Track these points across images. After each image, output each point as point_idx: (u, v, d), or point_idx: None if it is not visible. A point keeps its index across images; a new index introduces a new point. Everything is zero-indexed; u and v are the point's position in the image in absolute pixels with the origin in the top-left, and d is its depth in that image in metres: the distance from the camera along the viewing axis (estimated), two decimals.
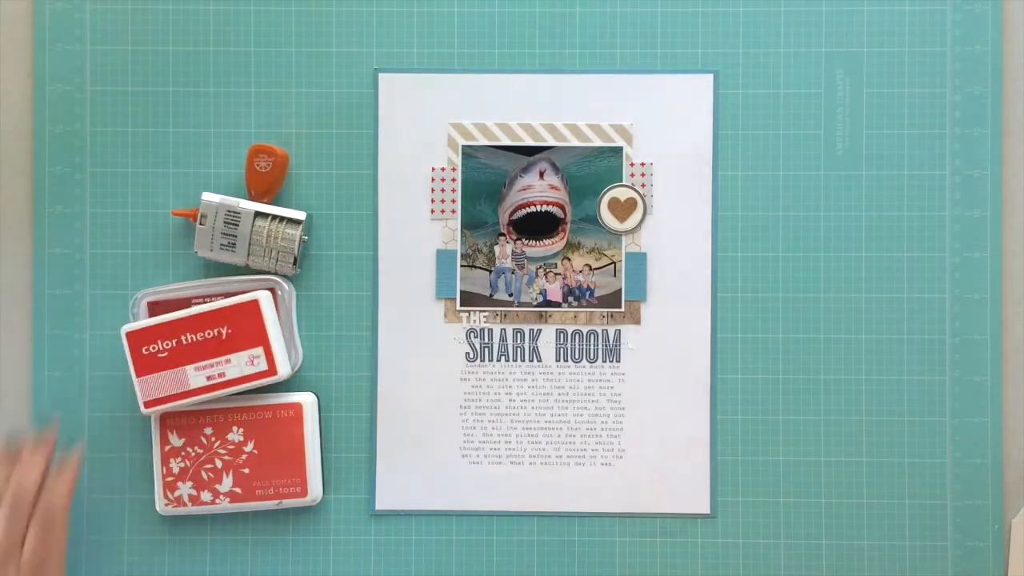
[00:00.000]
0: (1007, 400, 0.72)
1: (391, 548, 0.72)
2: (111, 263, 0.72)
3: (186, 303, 0.70)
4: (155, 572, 0.72)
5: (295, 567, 0.72)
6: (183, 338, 0.68)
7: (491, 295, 0.72)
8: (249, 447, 0.70)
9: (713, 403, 0.72)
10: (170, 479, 0.70)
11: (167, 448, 0.70)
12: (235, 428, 0.70)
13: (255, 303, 0.68)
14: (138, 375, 0.68)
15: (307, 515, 0.72)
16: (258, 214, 0.70)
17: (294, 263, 0.70)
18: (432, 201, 0.72)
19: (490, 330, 0.72)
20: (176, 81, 0.72)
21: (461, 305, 0.72)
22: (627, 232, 0.72)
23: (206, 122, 0.72)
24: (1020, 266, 0.72)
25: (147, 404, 0.68)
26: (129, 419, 0.72)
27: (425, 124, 0.72)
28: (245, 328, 0.68)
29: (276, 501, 0.70)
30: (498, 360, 0.72)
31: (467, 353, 0.72)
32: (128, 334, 0.68)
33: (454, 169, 0.72)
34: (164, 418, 0.70)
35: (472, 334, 0.72)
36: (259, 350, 0.68)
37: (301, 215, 0.70)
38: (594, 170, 0.72)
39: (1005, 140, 0.72)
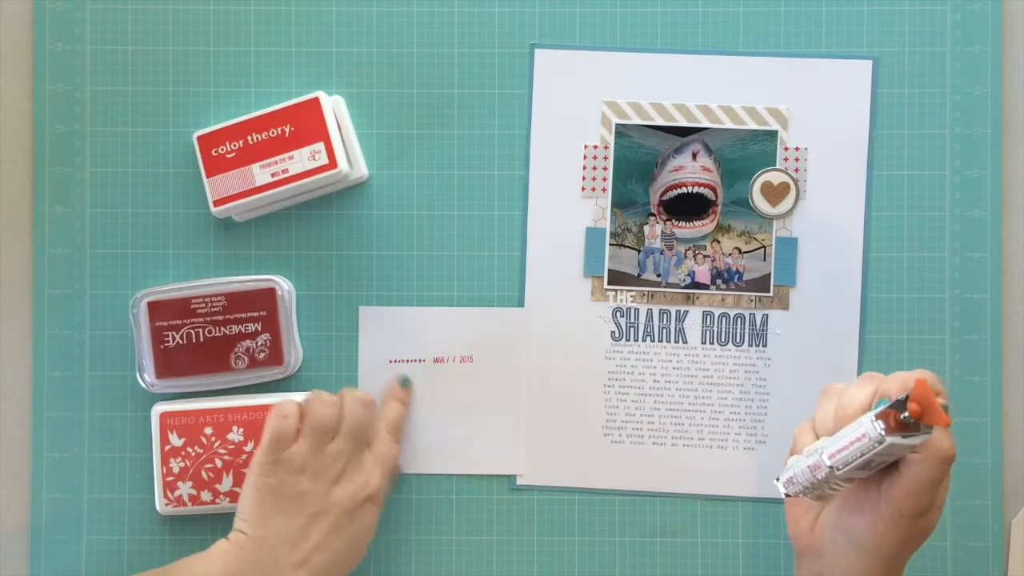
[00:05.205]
0: (1007, 400, 0.72)
1: (391, 548, 0.72)
2: (111, 263, 0.72)
3: (186, 303, 0.70)
4: None
5: None
6: (249, 138, 0.69)
7: (639, 275, 0.72)
8: (249, 447, 0.69)
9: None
10: (170, 479, 0.70)
11: (167, 448, 0.70)
12: (235, 428, 0.70)
13: (315, 101, 0.69)
14: (208, 175, 0.69)
15: None
16: None
17: None
18: (583, 179, 0.72)
19: (636, 309, 0.72)
20: (176, 81, 0.72)
21: (608, 284, 0.72)
22: (779, 216, 0.72)
23: (206, 122, 0.72)
24: (1020, 266, 0.72)
25: (217, 203, 0.69)
26: (129, 419, 0.72)
27: (579, 101, 0.72)
28: (307, 125, 0.69)
29: None
30: (643, 340, 0.72)
31: (612, 332, 0.72)
32: (199, 138, 0.70)
33: (606, 147, 0.72)
34: (164, 418, 0.70)
35: (618, 313, 0.72)
36: (320, 145, 0.69)
37: None
38: (747, 153, 0.72)
39: (1005, 140, 0.72)
